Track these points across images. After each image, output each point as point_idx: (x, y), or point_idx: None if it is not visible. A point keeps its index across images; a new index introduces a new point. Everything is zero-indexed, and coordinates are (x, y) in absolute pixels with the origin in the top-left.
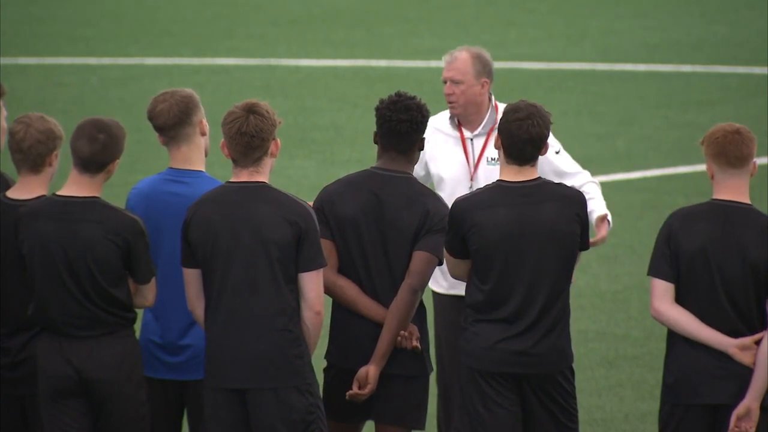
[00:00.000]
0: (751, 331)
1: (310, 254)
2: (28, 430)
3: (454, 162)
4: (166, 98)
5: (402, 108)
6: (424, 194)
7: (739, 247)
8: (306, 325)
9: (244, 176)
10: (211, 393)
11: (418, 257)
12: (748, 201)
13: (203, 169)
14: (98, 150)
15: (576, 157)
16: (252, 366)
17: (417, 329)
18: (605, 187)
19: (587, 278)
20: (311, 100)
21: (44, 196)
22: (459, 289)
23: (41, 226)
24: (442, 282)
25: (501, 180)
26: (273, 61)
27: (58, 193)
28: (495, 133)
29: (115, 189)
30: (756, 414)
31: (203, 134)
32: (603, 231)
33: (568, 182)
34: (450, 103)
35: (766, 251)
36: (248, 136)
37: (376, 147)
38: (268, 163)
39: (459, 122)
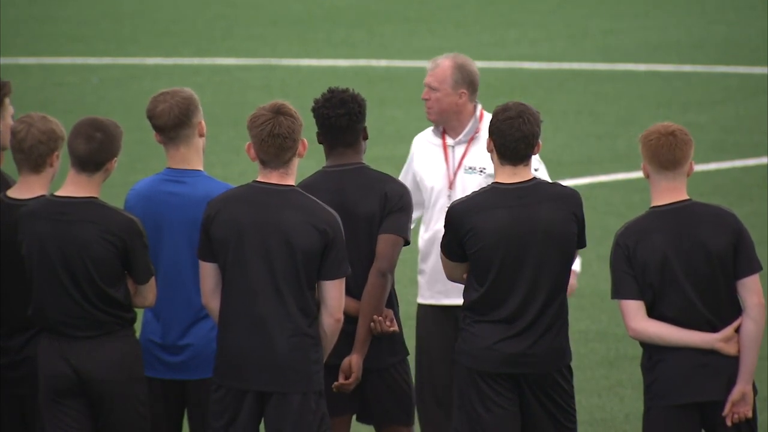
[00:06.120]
0: (725, 324)
1: (334, 262)
2: (28, 429)
3: (436, 170)
4: (167, 99)
5: (338, 103)
6: (380, 179)
7: (700, 245)
8: (324, 331)
9: (274, 178)
10: (223, 391)
11: (383, 240)
12: (686, 197)
13: (201, 169)
14: (95, 149)
15: (576, 157)
16: (276, 369)
17: (392, 312)
18: (605, 187)
19: (587, 278)
20: (311, 100)
21: (44, 196)
22: (439, 299)
23: (39, 226)
24: (425, 292)
25: (497, 182)
26: (273, 61)
27: (57, 193)
28: (476, 142)
29: (114, 189)
30: (750, 397)
31: (201, 135)
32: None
33: None
34: (426, 109)
35: (725, 238)
36: (281, 138)
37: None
38: (296, 163)
39: (444, 131)
